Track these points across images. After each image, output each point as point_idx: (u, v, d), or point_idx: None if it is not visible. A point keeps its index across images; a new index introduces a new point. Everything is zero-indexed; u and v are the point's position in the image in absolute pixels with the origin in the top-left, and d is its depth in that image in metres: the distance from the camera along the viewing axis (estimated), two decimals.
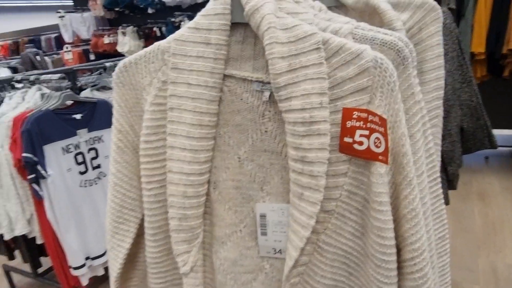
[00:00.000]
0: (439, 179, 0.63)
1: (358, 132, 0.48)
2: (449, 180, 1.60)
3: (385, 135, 0.46)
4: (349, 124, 0.48)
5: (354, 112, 0.47)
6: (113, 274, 0.67)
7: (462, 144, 1.68)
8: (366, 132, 0.47)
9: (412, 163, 0.49)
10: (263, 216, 0.59)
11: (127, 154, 0.62)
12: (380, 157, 0.47)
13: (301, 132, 0.49)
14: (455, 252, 2.24)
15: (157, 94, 0.57)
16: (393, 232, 0.50)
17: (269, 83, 0.54)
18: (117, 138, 0.62)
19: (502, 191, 2.85)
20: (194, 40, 0.54)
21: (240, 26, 0.55)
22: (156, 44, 0.58)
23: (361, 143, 0.48)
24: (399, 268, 0.52)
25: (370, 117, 0.47)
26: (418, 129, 0.53)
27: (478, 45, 2.62)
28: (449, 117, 1.50)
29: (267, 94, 0.54)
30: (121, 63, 0.60)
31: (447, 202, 1.57)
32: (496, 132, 1.76)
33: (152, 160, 0.59)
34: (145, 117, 0.58)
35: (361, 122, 0.47)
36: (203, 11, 0.55)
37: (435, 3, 0.69)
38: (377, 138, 0.47)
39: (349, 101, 0.49)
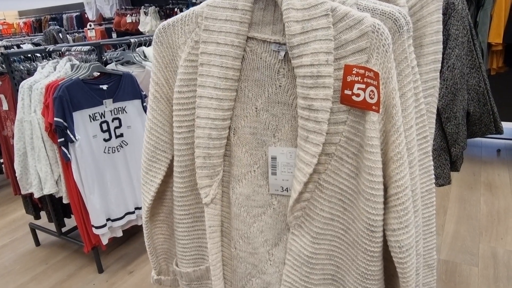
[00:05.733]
0: (429, 138, 0.72)
1: (356, 85, 0.58)
2: (452, 162, 1.66)
3: (377, 87, 0.56)
4: (349, 78, 0.58)
5: (354, 69, 0.57)
6: (146, 205, 0.79)
7: (468, 128, 1.73)
8: (363, 86, 0.57)
9: (400, 114, 0.59)
10: (274, 158, 0.69)
11: (162, 103, 0.74)
12: (373, 107, 0.57)
13: (309, 84, 0.60)
14: (457, 236, 2.32)
15: (190, 52, 0.68)
16: (381, 171, 0.60)
17: (284, 44, 0.64)
18: (154, 89, 0.73)
19: (511, 183, 2.89)
20: (223, 5, 0.64)
21: None
22: (191, 9, 0.68)
23: (358, 95, 0.58)
24: (385, 203, 0.62)
25: (367, 73, 0.57)
26: (409, 88, 0.62)
27: (496, 35, 2.63)
28: (456, 100, 1.54)
29: (282, 53, 0.64)
30: (160, 25, 0.71)
31: (449, 182, 1.65)
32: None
33: (183, 108, 0.70)
34: (179, 71, 0.69)
35: (359, 77, 0.57)
36: None
37: None
38: (371, 91, 0.57)
39: (350, 60, 0.58)
